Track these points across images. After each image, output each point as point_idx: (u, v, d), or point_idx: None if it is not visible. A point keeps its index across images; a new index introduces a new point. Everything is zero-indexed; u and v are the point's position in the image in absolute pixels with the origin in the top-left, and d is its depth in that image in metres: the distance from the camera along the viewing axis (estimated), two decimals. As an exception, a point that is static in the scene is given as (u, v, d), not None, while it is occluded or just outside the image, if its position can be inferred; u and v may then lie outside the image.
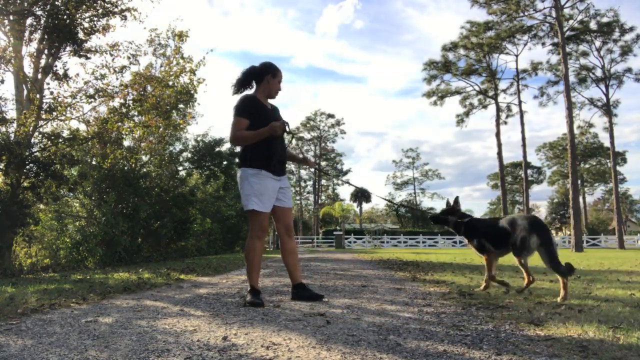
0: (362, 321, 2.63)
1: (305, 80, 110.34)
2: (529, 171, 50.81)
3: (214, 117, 74.57)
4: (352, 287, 4.47)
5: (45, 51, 9.72)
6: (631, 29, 29.17)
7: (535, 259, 3.55)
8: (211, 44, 77.52)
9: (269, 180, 3.36)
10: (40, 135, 9.59)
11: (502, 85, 36.16)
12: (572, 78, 29.42)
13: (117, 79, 10.50)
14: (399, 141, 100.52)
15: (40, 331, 2.42)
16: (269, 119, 3.34)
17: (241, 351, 1.96)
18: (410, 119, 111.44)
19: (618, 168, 39.99)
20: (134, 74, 10.91)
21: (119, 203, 11.49)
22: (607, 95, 31.12)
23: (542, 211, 71.52)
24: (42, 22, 9.36)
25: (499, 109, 33.56)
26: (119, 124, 10.51)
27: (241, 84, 3.49)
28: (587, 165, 55.83)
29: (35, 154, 9.22)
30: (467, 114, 35.49)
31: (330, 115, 57.59)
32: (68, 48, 9.62)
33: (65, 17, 9.12)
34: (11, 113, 9.52)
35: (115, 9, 10.07)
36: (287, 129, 3.35)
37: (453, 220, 4.10)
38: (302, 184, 59.63)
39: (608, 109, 31.01)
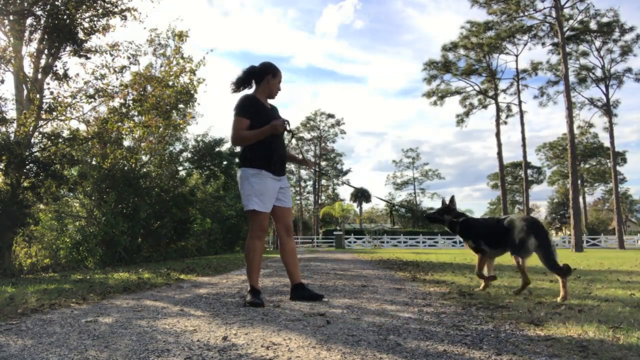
0: (362, 321, 2.63)
1: (305, 80, 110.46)
2: (529, 171, 50.82)
3: (214, 117, 74.57)
4: (352, 287, 4.47)
5: (45, 51, 9.72)
6: (631, 29, 29.21)
7: (535, 259, 3.55)
8: (211, 44, 77.57)
9: (269, 181, 3.36)
10: (40, 135, 9.59)
11: (502, 85, 36.22)
12: (572, 78, 29.44)
13: (117, 79, 10.51)
14: (399, 141, 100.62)
15: (40, 331, 2.42)
16: (269, 119, 3.34)
17: (241, 351, 1.96)
18: (410, 119, 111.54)
19: (618, 168, 40.02)
20: (134, 74, 10.91)
21: (119, 203, 11.49)
22: (607, 95, 31.14)
23: (542, 211, 71.56)
24: (42, 22, 9.36)
25: (499, 109, 33.57)
26: (119, 124, 10.51)
27: (241, 83, 3.49)
28: (587, 165, 55.82)
29: (35, 154, 9.22)
30: (467, 114, 35.52)
31: (330, 115, 57.64)
32: (68, 48, 9.62)
33: (65, 17, 9.12)
34: (11, 113, 9.54)
35: (115, 9, 10.07)
36: (288, 128, 3.35)
37: (449, 220, 4.11)
38: (302, 184, 59.66)
39: (608, 109, 31.01)
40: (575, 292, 3.85)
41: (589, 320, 2.50)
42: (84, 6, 9.68)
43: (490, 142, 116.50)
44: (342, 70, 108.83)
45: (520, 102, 32.10)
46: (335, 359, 1.84)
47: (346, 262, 9.98)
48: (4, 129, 9.03)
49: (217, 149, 18.12)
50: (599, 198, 67.44)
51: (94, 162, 11.77)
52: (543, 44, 29.74)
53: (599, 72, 31.39)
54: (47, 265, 9.79)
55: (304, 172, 57.67)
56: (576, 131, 30.94)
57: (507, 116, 34.46)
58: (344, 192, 79.36)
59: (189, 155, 17.67)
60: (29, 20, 9.45)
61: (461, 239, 4.15)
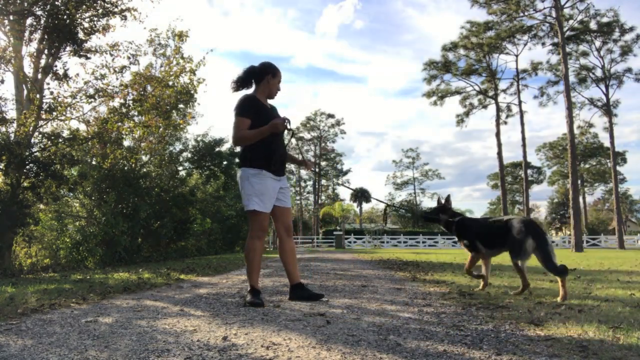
0: (362, 321, 2.63)
1: (305, 80, 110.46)
2: (529, 171, 50.82)
3: (214, 117, 74.61)
4: (352, 287, 4.47)
5: (45, 51, 9.72)
6: (631, 29, 29.20)
7: (534, 259, 3.56)
8: (211, 44, 77.58)
9: (270, 181, 3.36)
10: (40, 135, 9.59)
11: (502, 85, 36.21)
12: (572, 78, 29.44)
13: (117, 79, 10.51)
14: (399, 141, 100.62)
15: (40, 331, 2.42)
16: (269, 119, 3.35)
17: (241, 351, 1.96)
18: (410, 119, 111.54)
19: (618, 168, 40.02)
20: (134, 74, 10.91)
21: (119, 203, 11.49)
22: (607, 95, 31.14)
23: (542, 211, 71.58)
24: (42, 22, 9.36)
25: (499, 109, 33.57)
26: (119, 124, 10.51)
27: (241, 82, 3.49)
28: (587, 165, 55.83)
29: (35, 154, 9.22)
30: (467, 114, 35.51)
31: (330, 115, 57.64)
32: (68, 48, 9.62)
33: (65, 17, 9.12)
34: (11, 113, 9.54)
35: (115, 9, 10.07)
36: (289, 126, 3.35)
37: (444, 219, 4.11)
38: (302, 184, 59.66)
39: (608, 109, 31.01)
40: (575, 292, 3.85)
41: (589, 320, 2.50)
42: (84, 6, 9.68)
43: (490, 142, 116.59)
44: (342, 70, 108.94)
45: (520, 102, 32.13)
46: (335, 359, 1.84)
47: (346, 262, 9.98)
48: (4, 129, 9.03)
49: (217, 149, 18.12)
50: (599, 198, 67.49)
51: (94, 162, 11.77)
52: (543, 44, 29.77)
53: (599, 72, 31.43)
54: (47, 265, 9.79)
55: (304, 172, 57.69)
56: (576, 131, 30.96)
57: (507, 116, 34.50)
58: (344, 192, 79.45)
59: (189, 155, 17.67)
60: (29, 20, 9.45)
61: (457, 238, 4.17)
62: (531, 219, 3.70)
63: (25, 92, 9.92)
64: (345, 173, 60.14)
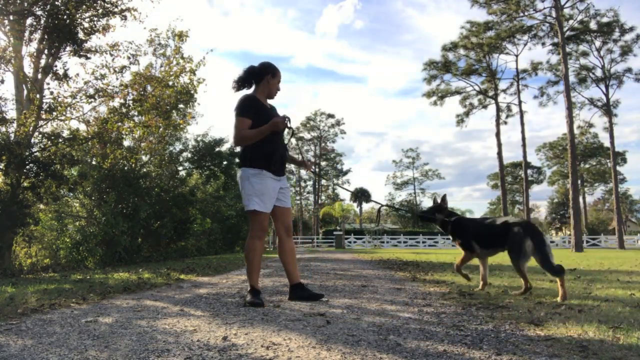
0: (362, 321, 2.63)
1: (305, 80, 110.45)
2: (529, 171, 50.83)
3: (214, 117, 74.65)
4: (352, 287, 4.47)
5: (45, 51, 9.72)
6: (631, 29, 29.20)
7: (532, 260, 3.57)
8: (211, 44, 77.61)
9: (270, 181, 3.36)
10: (40, 135, 9.59)
11: (502, 85, 36.22)
12: (572, 78, 29.43)
13: (117, 79, 10.52)
14: (399, 141, 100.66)
15: (40, 331, 2.42)
16: (269, 118, 3.35)
17: (241, 351, 1.96)
18: (410, 119, 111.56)
19: (618, 168, 40.02)
20: (134, 74, 10.91)
21: (119, 203, 11.49)
22: (607, 95, 31.14)
23: (542, 211, 71.60)
24: (42, 22, 9.36)
25: (499, 109, 33.57)
26: (119, 124, 10.51)
27: (242, 82, 3.50)
28: (587, 165, 55.83)
29: (35, 154, 9.22)
30: (467, 114, 35.50)
31: (330, 115, 57.63)
32: (68, 48, 9.62)
33: (65, 17, 9.12)
34: (11, 113, 9.54)
35: (115, 9, 10.07)
36: (289, 124, 3.35)
37: (440, 219, 4.12)
38: (302, 184, 59.65)
39: (608, 109, 31.01)
40: (575, 292, 3.85)
41: (589, 320, 2.50)
42: (84, 6, 9.68)
43: (490, 142, 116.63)
44: (342, 70, 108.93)
45: (520, 102, 32.12)
46: (335, 359, 1.84)
47: (346, 262, 9.98)
48: (4, 129, 9.03)
49: (217, 149, 18.12)
50: (599, 198, 67.48)
51: (94, 162, 11.77)
52: (543, 44, 29.77)
53: (599, 72, 31.42)
54: (47, 265, 9.79)
55: (304, 172, 57.68)
56: (576, 131, 30.95)
57: (507, 116, 34.49)
58: (344, 192, 79.44)
59: (189, 155, 17.67)
60: (29, 20, 9.45)
61: (451, 238, 4.19)
62: (528, 221, 3.73)
63: (25, 92, 9.93)
64: (345, 173, 60.16)
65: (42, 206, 10.53)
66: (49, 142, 9.49)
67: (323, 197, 59.76)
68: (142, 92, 10.87)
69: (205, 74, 22.47)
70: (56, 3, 9.25)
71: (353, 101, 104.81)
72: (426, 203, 62.66)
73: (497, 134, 33.33)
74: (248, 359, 1.85)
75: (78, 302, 3.49)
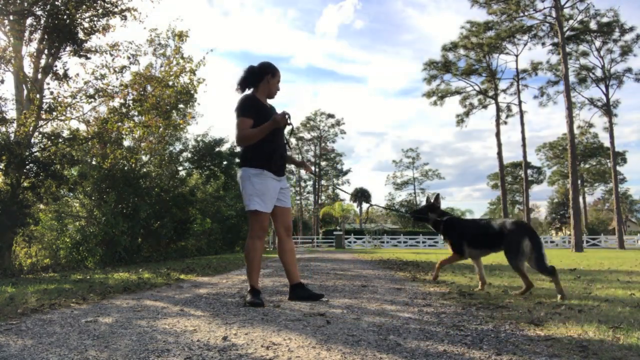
0: (362, 321, 2.63)
1: (305, 80, 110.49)
2: (529, 171, 50.83)
3: (214, 117, 74.66)
4: (352, 287, 4.47)
5: (45, 51, 9.72)
6: (631, 29, 29.19)
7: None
8: (211, 44, 77.63)
9: (271, 181, 3.37)
10: (40, 135, 9.59)
11: (502, 85, 36.23)
12: (572, 78, 29.43)
13: (117, 79, 10.52)
14: (399, 141, 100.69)
15: (40, 331, 2.42)
16: (270, 118, 3.36)
17: (241, 351, 1.96)
18: (410, 119, 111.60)
19: (618, 168, 40.01)
20: (134, 74, 10.91)
21: (119, 203, 11.49)
22: (607, 95, 31.13)
23: (542, 211, 71.60)
24: (42, 22, 9.36)
25: (499, 109, 33.57)
26: (119, 124, 10.51)
27: (245, 83, 3.51)
28: (587, 165, 55.83)
29: (35, 154, 9.22)
30: (467, 114, 35.50)
31: (330, 115, 57.63)
32: (68, 48, 9.62)
33: (65, 17, 9.12)
34: (11, 113, 9.54)
35: (115, 9, 10.07)
36: (289, 120, 3.35)
37: (433, 218, 4.12)
38: (302, 184, 59.66)
39: (608, 109, 31.01)
40: (575, 292, 3.86)
41: (589, 320, 2.50)
42: (84, 6, 9.68)
43: (490, 142, 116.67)
44: (342, 70, 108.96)
45: (520, 102, 32.12)
46: (335, 359, 1.84)
47: (346, 262, 9.98)
48: (4, 129, 9.03)
49: (217, 149, 18.12)
50: (599, 198, 67.49)
51: (94, 162, 11.77)
52: (543, 44, 29.77)
53: (599, 72, 31.42)
54: (47, 265, 9.79)
55: (304, 173, 57.63)
56: (576, 131, 30.94)
57: (507, 116, 34.49)
58: (344, 192, 79.38)
59: (189, 155, 17.67)
60: (29, 20, 9.45)
61: (443, 238, 4.20)
62: (523, 222, 3.77)
63: (25, 92, 9.93)
64: (345, 173, 60.16)
65: (42, 206, 10.53)
66: (49, 142, 9.49)
67: (323, 197, 59.76)
68: (142, 92, 10.87)
69: (205, 74, 22.52)
70: (56, 3, 9.25)
71: (353, 101, 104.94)
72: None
73: (497, 134, 33.34)
74: (248, 359, 1.85)
75: (78, 302, 3.49)
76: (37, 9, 9.32)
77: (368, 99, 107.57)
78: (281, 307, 3.18)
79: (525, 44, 31.30)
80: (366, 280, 5.29)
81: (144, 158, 13.80)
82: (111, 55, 10.40)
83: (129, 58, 10.64)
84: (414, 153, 62.09)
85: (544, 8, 27.40)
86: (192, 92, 12.42)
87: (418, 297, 3.69)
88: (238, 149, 4.05)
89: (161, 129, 12.50)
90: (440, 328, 2.42)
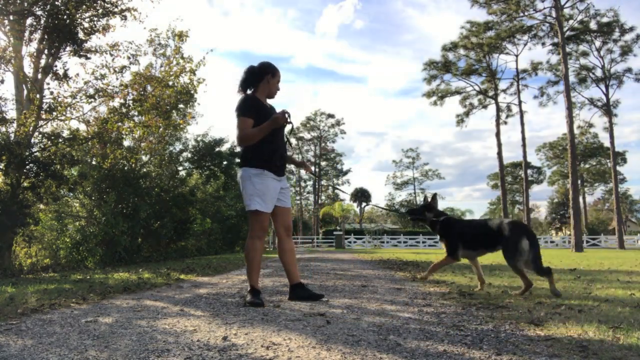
0: (362, 321, 2.63)
1: (305, 80, 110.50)
2: (529, 171, 50.83)
3: (214, 117, 74.66)
4: (352, 287, 4.47)
5: (45, 51, 9.72)
6: (631, 29, 29.19)
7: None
8: (211, 44, 77.65)
9: (271, 181, 3.37)
10: (40, 135, 9.59)
11: (502, 85, 36.23)
12: (572, 78, 29.43)
13: (117, 79, 10.52)
14: (399, 141, 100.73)
15: (40, 331, 2.42)
16: (269, 118, 3.36)
17: (241, 351, 1.96)
18: (410, 119, 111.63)
19: (618, 168, 40.02)
20: (134, 74, 10.90)
21: (119, 203, 11.49)
22: (607, 95, 31.13)
23: (542, 211, 71.59)
24: (42, 22, 9.36)
25: (499, 109, 33.56)
26: (119, 124, 10.51)
27: (246, 83, 3.51)
28: (587, 165, 55.83)
29: (35, 154, 9.22)
30: (467, 114, 35.50)
31: (330, 115, 57.62)
32: (68, 48, 9.62)
33: (65, 17, 9.12)
34: (11, 113, 9.54)
35: (115, 9, 10.07)
36: (289, 119, 3.35)
37: (429, 218, 4.12)
38: (302, 184, 59.66)
39: (608, 109, 31.01)
40: (575, 292, 3.85)
41: (589, 320, 2.50)
42: (84, 6, 9.68)
43: (490, 142, 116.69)
44: (342, 70, 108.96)
45: (520, 102, 32.11)
46: (335, 359, 1.84)
47: (346, 262, 9.98)
48: (4, 129, 9.03)
49: (217, 149, 18.12)
50: (599, 198, 67.50)
51: (94, 162, 11.77)
52: (543, 44, 29.76)
53: (599, 72, 31.41)
54: (47, 265, 9.79)
55: (303, 172, 57.62)
56: (576, 131, 30.94)
57: (507, 116, 34.48)
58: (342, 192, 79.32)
59: (189, 155, 17.67)
60: (29, 20, 9.44)
61: (438, 238, 4.21)
62: (520, 221, 3.79)
63: (25, 92, 9.92)
64: (345, 173, 60.15)
65: (42, 206, 10.52)
66: (49, 142, 9.49)
67: (323, 197, 59.77)
68: (142, 92, 10.87)
69: (205, 74, 22.54)
70: (56, 3, 9.25)
71: (353, 101, 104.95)
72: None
73: (497, 134, 33.34)
74: (248, 359, 1.85)
75: (78, 302, 3.49)
76: (37, 9, 9.32)
77: (368, 99, 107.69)
78: (281, 307, 3.18)
79: (525, 44, 31.33)
80: (366, 280, 5.30)
81: (144, 158, 13.81)
82: (111, 55, 10.41)
83: (129, 58, 10.65)
84: (414, 153, 62.16)
85: (544, 8, 27.44)
86: (192, 92, 12.42)
87: (418, 297, 3.69)
88: (238, 149, 4.05)
89: (161, 129, 12.50)
90: (440, 328, 2.42)
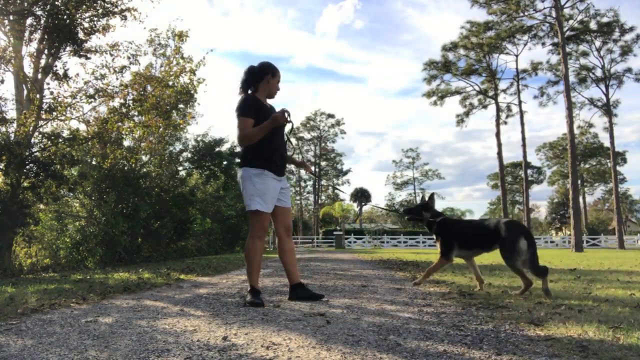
0: (362, 321, 2.63)
1: (305, 80, 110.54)
2: (529, 171, 50.82)
3: (214, 117, 74.66)
4: (352, 287, 4.47)
5: (45, 51, 9.72)
6: (631, 29, 29.18)
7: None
8: (211, 44, 77.64)
9: (271, 181, 3.37)
10: (40, 135, 9.59)
11: (502, 85, 36.22)
12: (572, 78, 29.43)
13: (117, 79, 10.52)
14: (399, 141, 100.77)
15: (40, 331, 2.42)
16: (269, 118, 3.36)
17: (241, 351, 1.96)
18: (410, 119, 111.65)
19: (618, 168, 40.01)
20: (134, 74, 10.90)
21: (119, 203, 11.49)
22: (607, 95, 31.13)
23: (542, 211, 71.59)
24: (42, 22, 9.36)
25: (499, 109, 33.56)
26: (119, 124, 10.51)
27: (247, 84, 3.51)
28: (587, 165, 55.82)
29: (35, 154, 9.22)
30: (467, 114, 35.49)
31: (330, 115, 57.61)
32: (68, 48, 9.62)
33: (65, 17, 9.12)
34: (11, 113, 9.54)
35: (115, 9, 10.07)
36: (289, 118, 3.35)
37: (426, 217, 4.12)
38: (302, 184, 59.65)
39: (608, 109, 31.00)
40: (575, 292, 3.85)
41: (589, 320, 2.50)
42: (84, 6, 9.68)
43: (490, 142, 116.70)
44: (342, 70, 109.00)
45: (520, 102, 32.11)
46: (335, 359, 1.84)
47: (346, 262, 9.98)
48: (4, 129, 9.03)
49: (217, 149, 18.12)
50: (599, 198, 67.50)
51: (94, 162, 11.77)
52: (543, 44, 29.76)
53: (599, 72, 31.40)
54: (47, 265, 9.78)
55: (303, 172, 57.61)
56: (576, 131, 30.94)
57: (507, 116, 34.47)
58: (342, 192, 79.28)
59: (189, 155, 17.67)
60: (29, 20, 9.44)
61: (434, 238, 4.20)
62: (517, 221, 3.80)
63: (25, 92, 9.92)
64: (345, 173, 60.14)
65: (42, 206, 10.52)
66: (49, 142, 9.49)
67: (323, 197, 59.76)
68: (142, 92, 10.87)
69: (205, 74, 22.55)
70: (56, 3, 9.25)
71: (353, 101, 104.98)
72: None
73: (497, 134, 33.33)
74: (248, 359, 1.85)
75: (78, 302, 3.49)
76: (37, 9, 9.32)
77: (368, 99, 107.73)
78: (281, 307, 3.18)
79: (525, 44, 31.33)
80: (366, 280, 5.29)
81: (144, 158, 13.81)
82: (111, 55, 10.41)
83: (129, 58, 10.65)
84: (414, 153, 62.15)
85: (544, 8, 27.43)
86: (192, 92, 12.42)
87: (418, 297, 3.69)
88: (238, 149, 4.06)
89: (161, 129, 12.50)
90: (440, 328, 2.42)
